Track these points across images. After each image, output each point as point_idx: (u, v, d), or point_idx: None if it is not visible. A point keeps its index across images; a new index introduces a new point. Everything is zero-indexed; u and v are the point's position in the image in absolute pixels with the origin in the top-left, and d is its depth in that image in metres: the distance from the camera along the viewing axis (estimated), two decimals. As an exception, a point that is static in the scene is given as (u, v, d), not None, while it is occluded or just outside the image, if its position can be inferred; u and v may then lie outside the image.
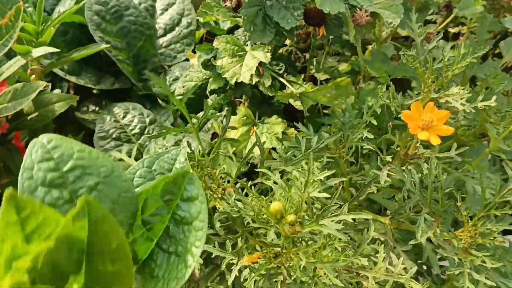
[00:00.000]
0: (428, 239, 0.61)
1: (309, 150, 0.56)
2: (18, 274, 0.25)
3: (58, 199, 0.34)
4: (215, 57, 0.86)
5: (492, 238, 0.55)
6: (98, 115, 0.89)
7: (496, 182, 0.57)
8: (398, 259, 0.60)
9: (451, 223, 0.59)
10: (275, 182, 0.45)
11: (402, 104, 0.61)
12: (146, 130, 0.87)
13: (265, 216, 0.42)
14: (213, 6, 0.78)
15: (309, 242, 0.45)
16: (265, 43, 0.74)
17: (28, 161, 0.34)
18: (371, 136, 0.59)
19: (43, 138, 0.35)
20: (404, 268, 0.60)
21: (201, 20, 0.80)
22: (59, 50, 0.80)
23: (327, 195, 0.46)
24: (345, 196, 0.64)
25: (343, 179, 0.47)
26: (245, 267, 0.46)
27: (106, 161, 0.35)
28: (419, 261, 0.68)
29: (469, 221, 0.56)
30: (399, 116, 0.60)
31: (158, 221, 0.36)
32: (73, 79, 0.94)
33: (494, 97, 0.57)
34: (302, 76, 1.00)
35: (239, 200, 0.45)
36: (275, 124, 0.86)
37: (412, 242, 0.55)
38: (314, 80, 1.06)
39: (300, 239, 0.43)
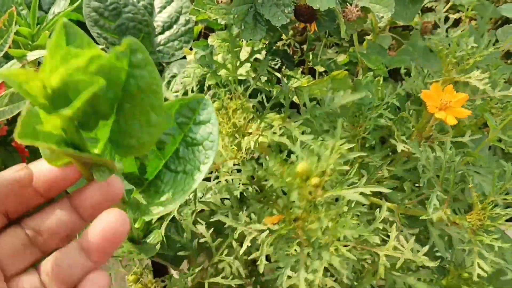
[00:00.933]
0: (434, 225, 0.62)
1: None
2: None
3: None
4: (211, 53, 0.86)
5: (500, 223, 0.56)
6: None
7: (508, 169, 0.58)
8: (407, 241, 0.60)
9: (462, 207, 0.59)
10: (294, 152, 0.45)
11: (422, 88, 0.62)
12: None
13: (288, 179, 0.42)
14: (205, 4, 0.77)
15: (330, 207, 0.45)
16: (256, 40, 0.73)
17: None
18: (391, 116, 0.59)
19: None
20: (412, 249, 0.60)
21: (194, 18, 0.79)
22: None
23: (347, 168, 0.46)
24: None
25: (363, 153, 0.47)
26: (260, 233, 0.46)
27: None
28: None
29: (479, 204, 0.57)
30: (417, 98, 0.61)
31: (169, 142, 0.36)
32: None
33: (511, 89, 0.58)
34: (300, 69, 1.00)
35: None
36: (275, 120, 0.85)
37: (424, 216, 0.55)
38: (313, 72, 1.06)
39: (322, 204, 0.43)
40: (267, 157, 0.48)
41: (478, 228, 0.56)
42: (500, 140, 0.68)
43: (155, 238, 0.60)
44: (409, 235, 0.62)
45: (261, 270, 0.44)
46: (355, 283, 0.62)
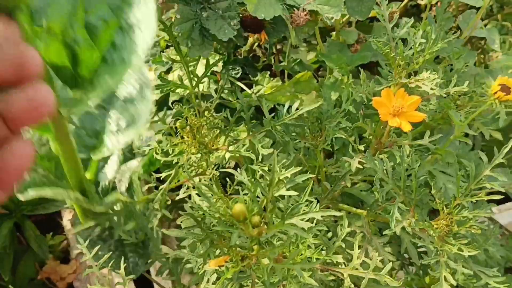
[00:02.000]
0: (408, 233, 0.60)
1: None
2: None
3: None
4: (171, 68, 0.83)
5: (469, 226, 0.54)
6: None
7: (471, 169, 0.56)
8: (376, 252, 0.58)
9: (427, 213, 0.57)
10: (241, 183, 0.43)
11: (374, 92, 0.59)
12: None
13: (228, 220, 0.40)
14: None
15: (279, 243, 0.43)
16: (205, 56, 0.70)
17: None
18: (349, 124, 0.57)
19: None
20: (382, 261, 0.58)
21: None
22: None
23: (294, 193, 0.43)
24: (320, 190, 0.63)
25: (311, 175, 0.44)
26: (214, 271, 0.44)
27: None
28: (402, 253, 0.66)
29: (445, 209, 0.55)
30: (371, 104, 0.58)
31: (102, 28, 0.33)
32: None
33: (467, 83, 0.55)
34: (268, 73, 0.97)
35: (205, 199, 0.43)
36: (242, 132, 0.83)
37: (387, 232, 0.53)
38: (283, 73, 1.03)
39: (267, 241, 0.41)
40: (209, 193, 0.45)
41: (446, 234, 0.54)
42: (467, 135, 0.66)
43: (112, 199, 0.56)
44: (379, 245, 0.60)
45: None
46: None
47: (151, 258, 0.69)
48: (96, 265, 0.57)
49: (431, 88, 0.51)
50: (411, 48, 0.58)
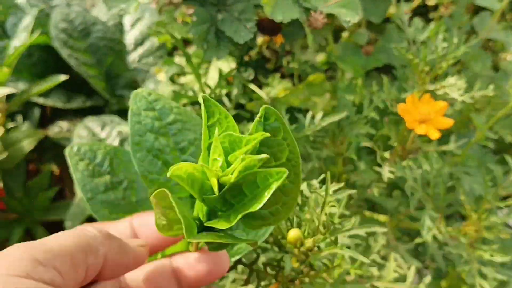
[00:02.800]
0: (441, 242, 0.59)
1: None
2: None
3: (165, 146, 0.37)
4: (178, 75, 0.81)
5: (498, 231, 0.54)
6: (73, 133, 0.83)
7: (497, 173, 0.56)
8: (403, 258, 0.58)
9: (454, 219, 0.57)
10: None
11: (398, 98, 0.59)
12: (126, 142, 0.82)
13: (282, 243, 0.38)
14: (166, 24, 0.72)
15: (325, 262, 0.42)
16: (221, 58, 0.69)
17: (134, 107, 0.37)
18: (373, 132, 0.56)
19: (143, 91, 0.38)
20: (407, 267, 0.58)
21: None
22: (15, 91, 0.79)
23: (340, 211, 0.42)
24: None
25: (352, 191, 0.43)
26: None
27: (200, 120, 0.38)
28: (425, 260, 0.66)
29: (473, 215, 0.55)
30: (393, 110, 0.58)
31: None
32: (41, 100, 0.90)
33: (491, 86, 0.55)
34: (279, 74, 0.95)
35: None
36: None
37: (418, 240, 0.52)
38: (292, 75, 1.02)
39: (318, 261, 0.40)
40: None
41: (475, 240, 0.54)
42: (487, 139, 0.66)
43: None
44: (404, 251, 0.60)
45: None
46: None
47: None
48: None
49: (460, 95, 0.50)
50: (432, 52, 0.57)
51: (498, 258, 0.52)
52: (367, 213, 0.63)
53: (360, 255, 0.36)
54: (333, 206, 0.40)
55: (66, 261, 0.25)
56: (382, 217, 0.62)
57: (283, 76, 0.93)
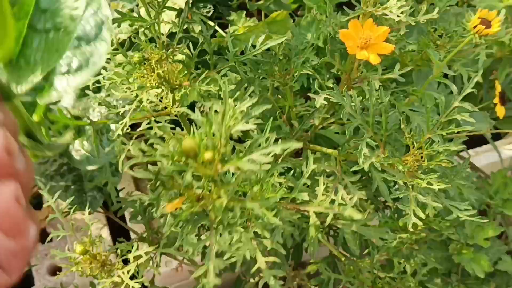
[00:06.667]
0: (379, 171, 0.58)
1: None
2: None
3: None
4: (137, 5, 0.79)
5: (439, 160, 0.52)
6: None
7: (441, 101, 0.54)
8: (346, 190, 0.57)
9: (400, 151, 0.56)
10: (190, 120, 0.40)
11: (342, 25, 0.56)
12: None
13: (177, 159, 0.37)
14: None
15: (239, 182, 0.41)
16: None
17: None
18: (315, 59, 0.54)
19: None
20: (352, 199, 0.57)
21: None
22: None
23: (252, 127, 0.41)
24: (288, 130, 0.60)
25: (268, 106, 0.42)
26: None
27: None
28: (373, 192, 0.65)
29: (415, 144, 0.53)
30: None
31: None
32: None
33: (436, 9, 0.52)
34: (244, 12, 0.92)
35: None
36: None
37: (355, 168, 0.51)
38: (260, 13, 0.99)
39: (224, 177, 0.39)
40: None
41: (415, 170, 0.53)
42: (446, 76, 0.64)
43: (66, 138, 0.54)
44: (351, 184, 0.59)
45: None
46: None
47: (123, 204, 0.67)
48: (60, 210, 0.55)
49: (398, 16, 0.48)
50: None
51: (436, 186, 0.50)
52: (315, 147, 0.61)
53: (263, 168, 0.35)
54: (242, 122, 0.39)
55: None
56: (330, 151, 0.61)
57: (250, 15, 0.90)
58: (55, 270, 0.92)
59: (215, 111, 0.40)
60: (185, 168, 0.36)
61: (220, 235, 0.39)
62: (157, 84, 0.56)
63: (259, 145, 0.40)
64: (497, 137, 1.03)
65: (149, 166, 0.38)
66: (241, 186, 0.46)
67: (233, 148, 0.40)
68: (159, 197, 0.38)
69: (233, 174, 0.43)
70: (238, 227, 0.39)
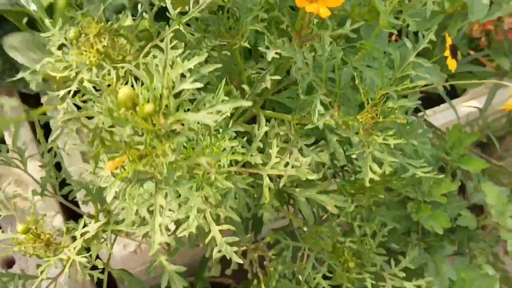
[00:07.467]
0: (335, 133, 0.57)
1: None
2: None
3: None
4: None
5: (394, 117, 0.51)
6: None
7: (396, 57, 0.52)
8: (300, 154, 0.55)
9: (355, 111, 0.54)
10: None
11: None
12: None
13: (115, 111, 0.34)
14: None
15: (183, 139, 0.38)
16: None
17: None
18: (265, 15, 0.52)
19: None
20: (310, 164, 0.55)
21: None
22: None
23: (199, 85, 0.38)
24: (239, 94, 0.58)
25: (218, 65, 0.39)
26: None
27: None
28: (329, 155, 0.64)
29: (370, 101, 0.52)
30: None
31: None
32: None
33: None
34: None
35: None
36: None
37: (309, 126, 0.49)
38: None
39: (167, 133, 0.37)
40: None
41: (371, 127, 0.52)
42: (394, 27, 0.62)
43: None
44: (306, 147, 0.57)
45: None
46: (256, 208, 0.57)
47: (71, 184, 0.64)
48: None
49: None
50: None
51: (391, 142, 0.49)
52: (268, 112, 0.59)
53: (210, 117, 0.33)
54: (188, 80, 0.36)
55: None
56: (285, 116, 0.59)
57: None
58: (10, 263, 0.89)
59: (156, 64, 0.37)
60: (123, 121, 0.34)
61: (166, 195, 0.37)
62: (97, 61, 0.53)
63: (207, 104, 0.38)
64: (454, 95, 1.04)
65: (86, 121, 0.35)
66: (189, 148, 0.43)
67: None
68: (97, 155, 0.35)
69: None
70: (185, 185, 0.37)
